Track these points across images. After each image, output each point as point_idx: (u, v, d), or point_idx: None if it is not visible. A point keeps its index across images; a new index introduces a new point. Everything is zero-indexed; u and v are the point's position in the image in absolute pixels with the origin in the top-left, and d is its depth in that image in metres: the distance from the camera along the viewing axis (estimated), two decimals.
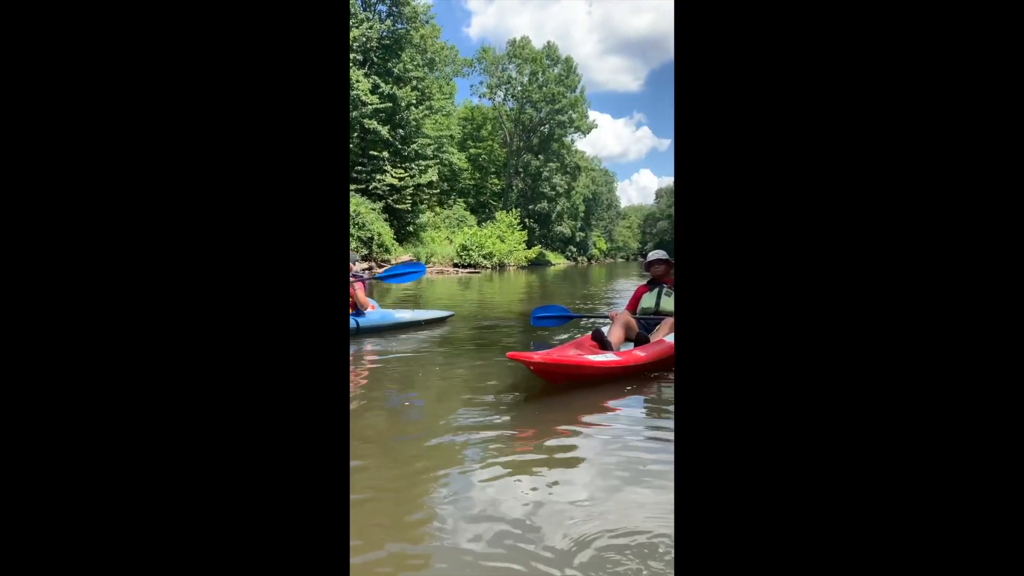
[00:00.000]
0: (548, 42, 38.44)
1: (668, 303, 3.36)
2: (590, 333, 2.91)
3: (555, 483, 1.45)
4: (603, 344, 2.80)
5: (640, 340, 2.88)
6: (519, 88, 37.53)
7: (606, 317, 3.45)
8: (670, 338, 2.90)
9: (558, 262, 37.00)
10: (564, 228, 41.59)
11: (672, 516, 1.14)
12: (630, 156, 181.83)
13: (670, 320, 3.14)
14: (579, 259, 44.97)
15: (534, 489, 1.41)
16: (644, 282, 3.65)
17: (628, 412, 2.15)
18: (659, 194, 73.09)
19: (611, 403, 2.25)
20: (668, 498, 1.33)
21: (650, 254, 3.68)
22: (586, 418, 2.04)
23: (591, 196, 50.32)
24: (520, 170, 38.11)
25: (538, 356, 2.22)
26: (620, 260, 59.15)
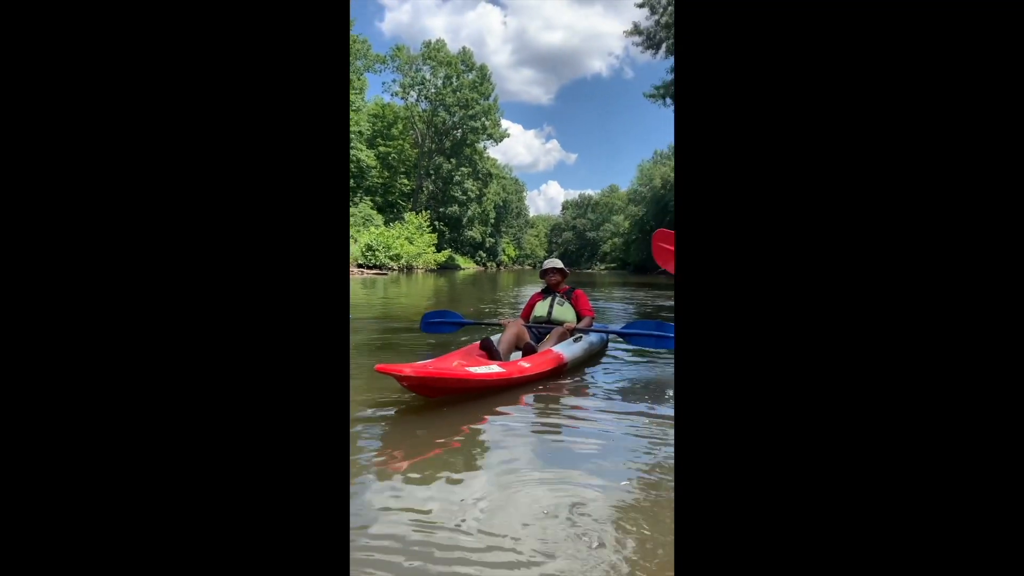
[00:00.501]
0: (463, 48, 38.45)
1: (560, 312, 3.34)
2: (479, 342, 2.78)
3: (421, 516, 1.28)
4: (491, 353, 2.68)
5: (528, 350, 2.81)
6: (433, 90, 37.09)
7: (498, 324, 3.35)
8: (558, 348, 2.86)
9: (468, 266, 36.89)
10: (475, 233, 41.63)
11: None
12: (539, 167, 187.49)
13: (559, 329, 3.11)
14: (488, 264, 45.24)
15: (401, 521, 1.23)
16: (539, 289, 3.62)
17: (508, 424, 2.04)
18: (565, 206, 75.78)
19: (490, 417, 2.12)
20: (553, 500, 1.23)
21: (546, 262, 3.65)
22: (459, 437, 1.89)
23: (502, 203, 50.98)
24: (431, 172, 37.57)
25: (410, 369, 2.04)
26: (528, 267, 60.44)
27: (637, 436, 1.91)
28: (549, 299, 3.45)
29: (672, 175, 44.15)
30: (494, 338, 2.80)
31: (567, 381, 2.71)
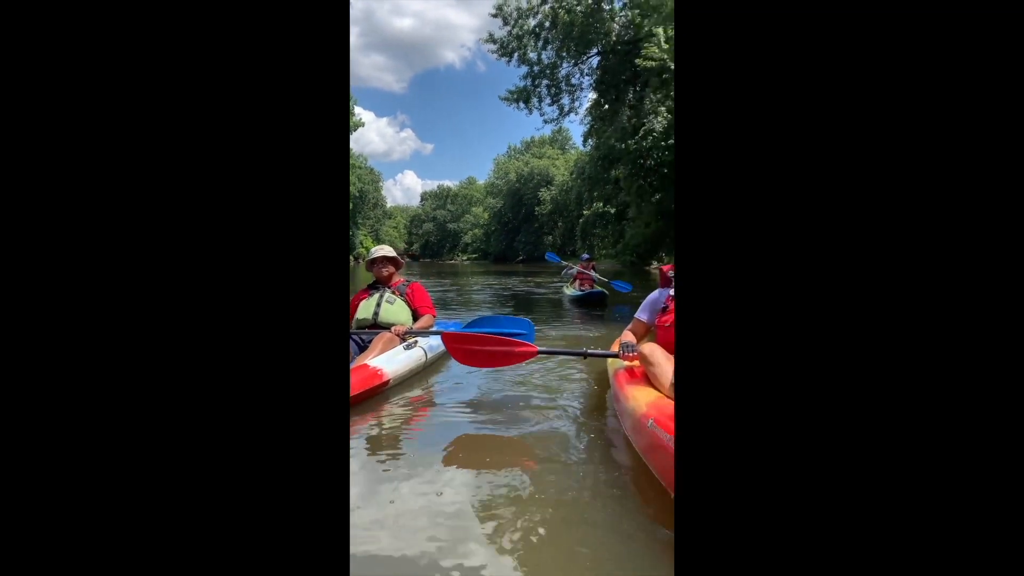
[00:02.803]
0: None
1: (390, 312, 2.71)
2: None
3: None
4: None
5: None
6: None
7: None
8: (377, 361, 2.26)
9: None
10: None
11: None
12: (394, 156, 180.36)
13: (386, 335, 2.51)
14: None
15: None
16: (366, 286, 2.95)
17: None
18: (424, 196, 74.55)
19: None
20: None
21: (373, 250, 2.98)
22: None
23: (358, 194, 48.47)
24: None
25: None
26: None
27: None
28: (376, 296, 2.79)
29: (526, 169, 45.89)
30: None
31: (386, 404, 2.14)
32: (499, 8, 20.03)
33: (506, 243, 48.38)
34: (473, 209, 60.64)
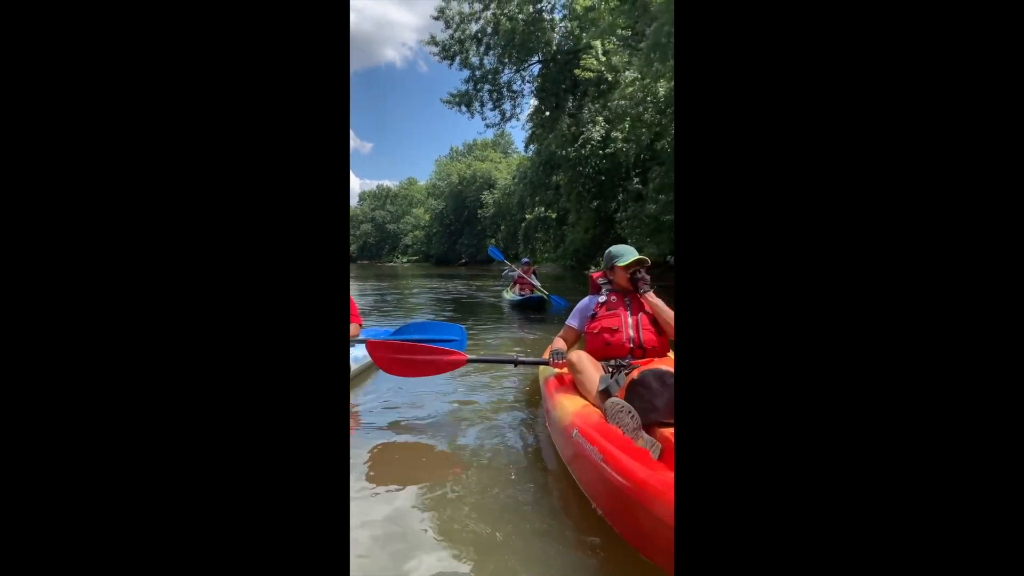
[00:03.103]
0: None
1: None
2: None
3: None
4: None
5: None
6: None
7: None
8: None
9: None
10: None
11: None
12: None
13: None
14: None
15: None
16: None
17: None
18: (363, 196, 72.63)
19: None
20: None
21: None
22: None
23: None
24: None
25: None
26: None
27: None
28: None
29: (468, 172, 45.76)
30: None
31: None
32: (441, 11, 19.95)
33: (448, 245, 48.01)
34: (414, 210, 59.70)
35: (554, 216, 24.31)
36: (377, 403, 2.47)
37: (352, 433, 2.05)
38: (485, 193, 41.43)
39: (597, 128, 17.21)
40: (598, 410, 1.65)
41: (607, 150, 16.77)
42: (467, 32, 20.23)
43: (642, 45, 12.65)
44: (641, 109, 12.78)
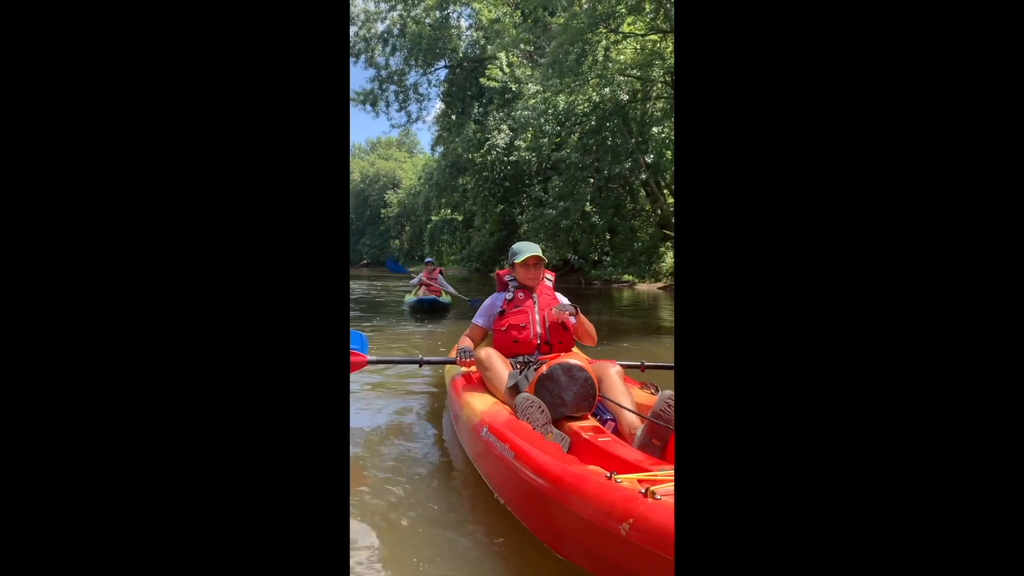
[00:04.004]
0: None
1: None
2: None
3: None
4: None
5: None
6: None
7: None
8: None
9: None
10: None
11: None
12: None
13: None
14: None
15: None
16: None
17: None
18: None
19: None
20: None
21: None
22: None
23: None
24: None
25: None
26: None
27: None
28: None
29: (371, 170, 44.37)
30: None
31: None
32: None
33: (367, 246, 46.12)
34: None
35: (460, 219, 24.49)
36: None
37: None
38: (389, 192, 40.45)
39: (502, 135, 17.74)
40: (508, 407, 1.65)
41: (511, 157, 17.34)
42: (372, 31, 19.88)
43: (542, 61, 13.32)
44: (543, 120, 13.44)
